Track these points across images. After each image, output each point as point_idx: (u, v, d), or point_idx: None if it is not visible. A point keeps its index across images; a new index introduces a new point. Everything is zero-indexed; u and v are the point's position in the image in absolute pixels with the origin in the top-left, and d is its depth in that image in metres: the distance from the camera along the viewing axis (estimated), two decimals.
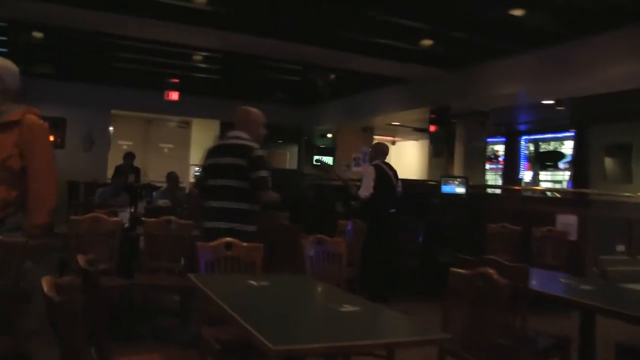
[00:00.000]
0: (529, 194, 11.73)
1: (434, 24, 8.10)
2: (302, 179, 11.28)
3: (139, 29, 8.89)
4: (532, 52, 8.86)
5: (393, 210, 7.03)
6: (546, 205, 8.48)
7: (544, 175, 15.06)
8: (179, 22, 8.42)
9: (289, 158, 18.27)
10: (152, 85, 13.17)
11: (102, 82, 13.54)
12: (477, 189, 10.03)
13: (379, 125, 15.77)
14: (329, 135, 16.71)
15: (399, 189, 7.21)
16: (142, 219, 5.93)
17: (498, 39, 8.63)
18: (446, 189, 7.99)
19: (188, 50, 10.35)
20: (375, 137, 16.63)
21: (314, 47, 9.31)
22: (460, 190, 7.93)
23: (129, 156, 11.89)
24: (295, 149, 17.69)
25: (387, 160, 7.33)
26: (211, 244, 3.57)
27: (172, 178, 8.66)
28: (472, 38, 8.67)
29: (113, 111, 14.77)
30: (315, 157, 17.13)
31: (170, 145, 17.84)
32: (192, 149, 17.28)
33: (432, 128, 11.50)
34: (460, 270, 3.15)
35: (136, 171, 12.01)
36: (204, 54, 10.60)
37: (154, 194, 8.75)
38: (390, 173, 7.12)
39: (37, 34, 9.63)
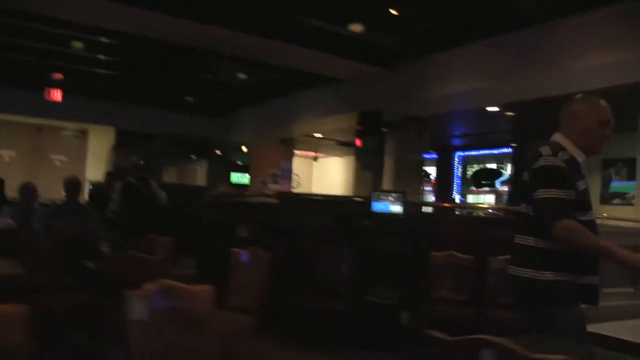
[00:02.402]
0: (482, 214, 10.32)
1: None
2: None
3: None
4: (490, 40, 7.63)
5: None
6: (501, 228, 6.94)
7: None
8: None
9: (200, 174, 16.29)
10: (32, 83, 11.01)
11: None
12: (414, 207, 8.42)
13: (299, 138, 14.02)
14: (244, 149, 14.80)
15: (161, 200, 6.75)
16: None
17: (448, 22, 7.21)
18: (378, 206, 6.32)
19: (78, 33, 8.32)
20: (296, 152, 14.98)
21: (227, 30, 7.54)
22: (396, 208, 6.27)
23: None
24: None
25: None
26: None
27: (27, 189, 6.64)
28: (414, 21, 7.18)
29: None
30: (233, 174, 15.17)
31: (63, 157, 15.59)
32: (88, 162, 15.09)
33: (359, 138, 9.88)
34: None
35: None
36: (101, 39, 8.55)
37: (3, 210, 6.70)
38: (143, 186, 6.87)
39: None
